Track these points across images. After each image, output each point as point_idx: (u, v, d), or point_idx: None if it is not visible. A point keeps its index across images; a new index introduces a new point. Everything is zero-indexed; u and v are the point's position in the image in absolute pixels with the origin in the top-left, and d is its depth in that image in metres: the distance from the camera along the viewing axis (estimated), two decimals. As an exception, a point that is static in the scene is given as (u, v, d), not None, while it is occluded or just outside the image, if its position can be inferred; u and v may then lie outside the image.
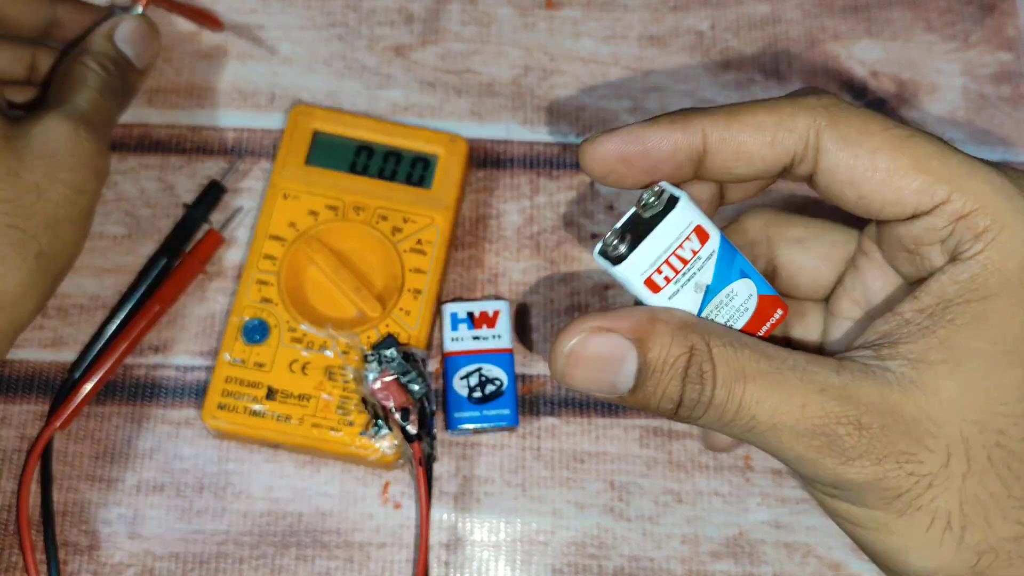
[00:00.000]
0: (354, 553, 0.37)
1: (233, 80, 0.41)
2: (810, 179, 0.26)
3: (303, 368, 0.36)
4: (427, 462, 0.35)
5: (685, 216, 0.25)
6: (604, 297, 0.40)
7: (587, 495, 0.38)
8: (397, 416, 0.35)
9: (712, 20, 0.43)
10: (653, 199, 0.26)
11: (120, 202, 0.40)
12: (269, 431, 0.36)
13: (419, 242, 0.38)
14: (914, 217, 0.25)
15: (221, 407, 0.36)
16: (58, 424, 0.36)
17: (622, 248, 0.25)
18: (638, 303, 0.27)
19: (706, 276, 0.26)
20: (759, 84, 0.43)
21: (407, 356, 0.36)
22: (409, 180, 0.39)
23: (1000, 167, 0.25)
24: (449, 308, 0.38)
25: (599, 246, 0.26)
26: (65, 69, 0.37)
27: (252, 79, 0.41)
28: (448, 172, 0.39)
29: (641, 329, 0.25)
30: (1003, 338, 0.24)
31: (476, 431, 0.37)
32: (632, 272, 0.25)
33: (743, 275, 0.27)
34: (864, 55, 0.43)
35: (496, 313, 0.38)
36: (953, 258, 0.25)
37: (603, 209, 0.41)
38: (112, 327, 0.38)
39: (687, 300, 0.26)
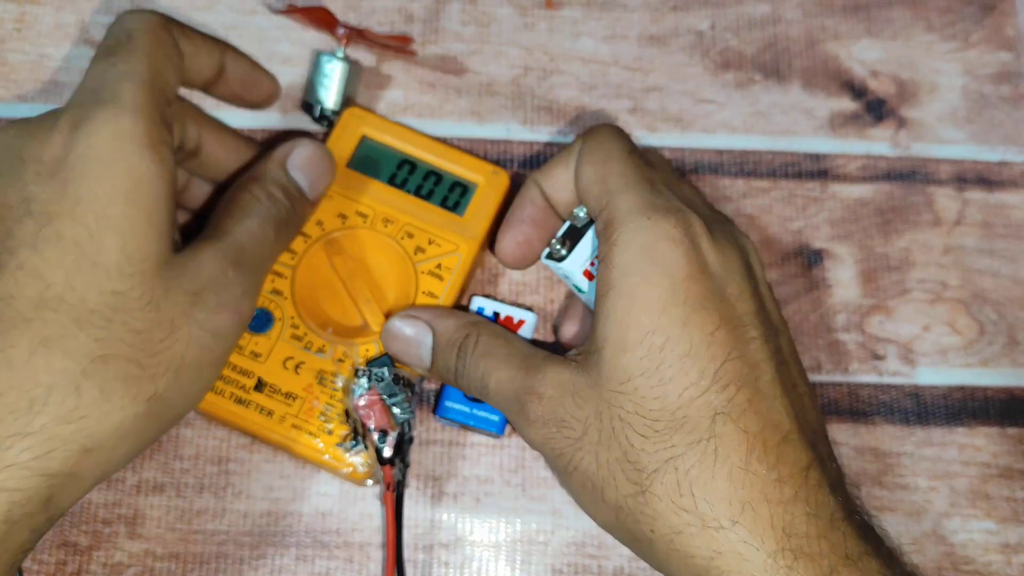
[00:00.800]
0: (354, 553, 0.37)
1: (233, 80, 0.41)
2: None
3: (296, 367, 0.36)
4: (397, 488, 0.35)
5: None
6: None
7: (587, 495, 0.38)
8: (375, 436, 0.34)
9: (712, 20, 0.43)
10: (582, 214, 0.35)
11: (120, 202, 0.40)
12: (249, 422, 0.36)
13: (439, 266, 0.37)
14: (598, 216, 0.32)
15: (211, 389, 0.35)
16: None
17: (563, 251, 0.35)
18: (571, 296, 0.38)
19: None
20: (759, 84, 0.43)
21: (397, 379, 0.35)
22: (444, 203, 0.38)
23: (667, 177, 0.34)
24: (477, 301, 0.38)
25: (546, 252, 0.35)
26: (230, 196, 0.34)
27: (252, 79, 0.41)
28: (484, 203, 0.38)
29: (436, 320, 0.35)
30: (619, 327, 0.29)
31: (461, 426, 0.37)
32: (574, 266, 0.35)
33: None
34: (864, 55, 0.43)
35: (521, 322, 0.37)
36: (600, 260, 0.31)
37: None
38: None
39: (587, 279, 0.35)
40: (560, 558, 0.37)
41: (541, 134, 0.42)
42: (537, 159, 0.41)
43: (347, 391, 0.36)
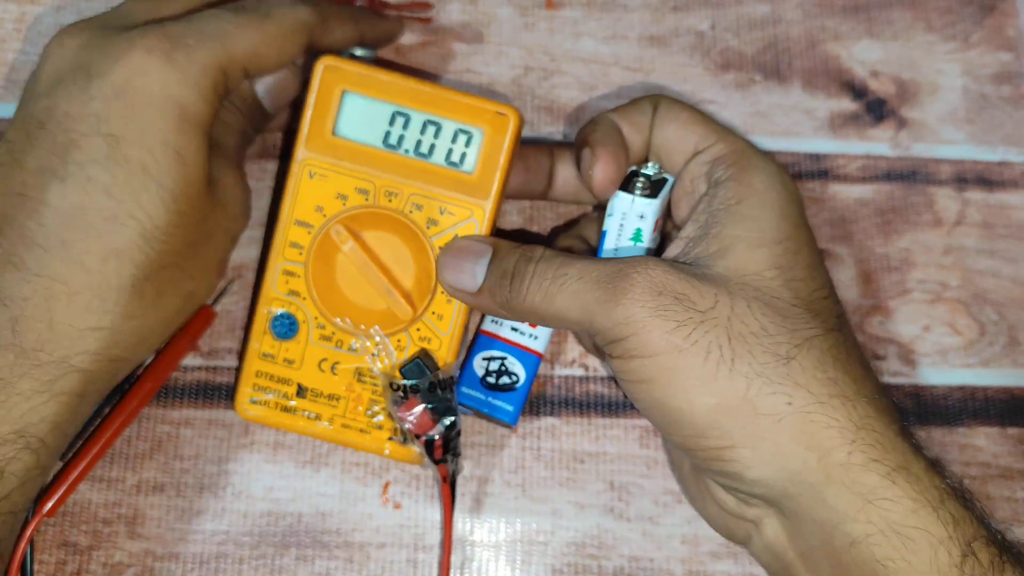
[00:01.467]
0: (354, 553, 0.37)
1: (233, 80, 0.41)
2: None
3: (332, 368, 0.36)
4: (451, 479, 0.35)
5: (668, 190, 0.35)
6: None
7: (587, 495, 0.38)
8: (423, 440, 0.34)
9: (712, 20, 0.43)
10: (655, 166, 0.35)
11: (120, 202, 0.40)
12: (300, 428, 0.36)
13: (456, 239, 0.35)
14: (694, 156, 0.34)
15: (253, 401, 0.36)
16: (45, 511, 0.35)
17: (647, 192, 0.35)
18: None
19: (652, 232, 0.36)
20: (759, 84, 0.43)
21: (433, 385, 0.34)
22: (449, 159, 0.35)
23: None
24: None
25: (638, 186, 0.35)
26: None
27: (252, 79, 0.41)
28: (492, 154, 0.34)
29: (494, 240, 0.34)
30: (757, 228, 0.31)
31: (475, 413, 0.37)
32: (655, 208, 0.34)
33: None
34: (864, 55, 0.43)
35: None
36: (715, 183, 0.33)
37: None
38: (105, 406, 0.37)
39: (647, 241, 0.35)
40: (560, 558, 0.37)
41: (541, 134, 0.42)
42: (537, 159, 0.41)
43: (387, 392, 0.35)
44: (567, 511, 0.37)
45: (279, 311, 0.36)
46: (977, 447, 0.39)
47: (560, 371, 0.39)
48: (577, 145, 0.35)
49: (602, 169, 0.34)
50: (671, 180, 0.35)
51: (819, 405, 0.29)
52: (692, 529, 0.37)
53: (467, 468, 0.38)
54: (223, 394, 0.38)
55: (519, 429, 0.38)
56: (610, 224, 0.35)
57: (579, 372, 0.39)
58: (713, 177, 0.33)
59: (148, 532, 0.36)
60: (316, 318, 0.36)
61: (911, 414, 0.39)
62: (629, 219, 0.35)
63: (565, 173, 0.37)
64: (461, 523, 0.37)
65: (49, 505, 0.35)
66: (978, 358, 0.40)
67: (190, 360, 0.38)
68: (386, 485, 0.37)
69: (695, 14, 0.43)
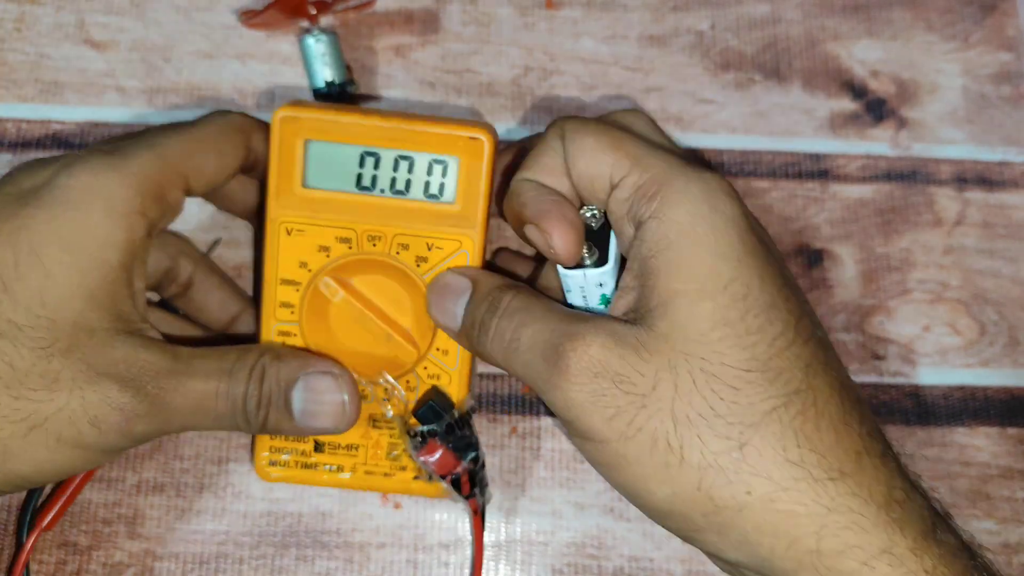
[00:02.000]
0: (354, 554, 0.37)
1: (233, 80, 0.41)
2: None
3: None
4: (482, 511, 0.35)
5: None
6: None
7: (587, 495, 0.38)
8: (449, 479, 0.34)
9: (712, 20, 0.43)
10: (595, 216, 0.31)
11: (120, 202, 0.40)
12: (324, 481, 0.35)
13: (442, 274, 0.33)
14: (612, 192, 0.30)
15: (272, 463, 0.35)
16: (44, 524, 0.35)
17: (597, 254, 0.31)
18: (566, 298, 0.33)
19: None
20: (759, 84, 0.43)
21: (451, 426, 0.34)
22: (426, 192, 0.33)
23: (682, 157, 0.30)
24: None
25: (579, 263, 0.31)
26: (217, 363, 0.32)
27: (252, 79, 0.41)
28: (471, 181, 0.33)
29: (480, 275, 0.32)
30: (693, 277, 0.27)
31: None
32: (610, 272, 0.31)
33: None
34: (864, 55, 0.43)
35: None
36: (638, 224, 0.29)
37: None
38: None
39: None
40: (560, 558, 0.37)
41: (541, 134, 0.42)
42: (537, 159, 0.41)
43: (404, 435, 0.34)
44: (567, 511, 0.37)
45: None
46: (977, 447, 0.39)
47: (560, 371, 0.39)
48: (516, 227, 0.31)
49: (560, 239, 0.30)
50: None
51: (783, 492, 0.26)
52: (692, 529, 0.37)
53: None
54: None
55: (518, 429, 0.38)
56: (572, 298, 0.32)
57: (579, 372, 0.39)
58: (635, 215, 0.29)
59: (148, 532, 0.36)
60: None
61: (911, 414, 0.39)
62: (589, 290, 0.31)
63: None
64: (461, 523, 0.37)
65: (48, 519, 0.35)
66: (978, 358, 0.40)
67: (190, 360, 0.38)
68: (386, 485, 0.37)
69: (695, 14, 0.43)
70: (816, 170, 0.42)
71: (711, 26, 0.43)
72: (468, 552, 0.37)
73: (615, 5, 0.43)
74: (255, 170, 0.35)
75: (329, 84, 0.39)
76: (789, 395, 0.27)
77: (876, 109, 0.43)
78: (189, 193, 0.33)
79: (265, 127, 0.35)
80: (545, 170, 0.31)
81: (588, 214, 0.31)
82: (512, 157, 0.35)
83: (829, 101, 0.43)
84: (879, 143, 0.42)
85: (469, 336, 0.31)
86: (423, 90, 0.42)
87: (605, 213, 0.31)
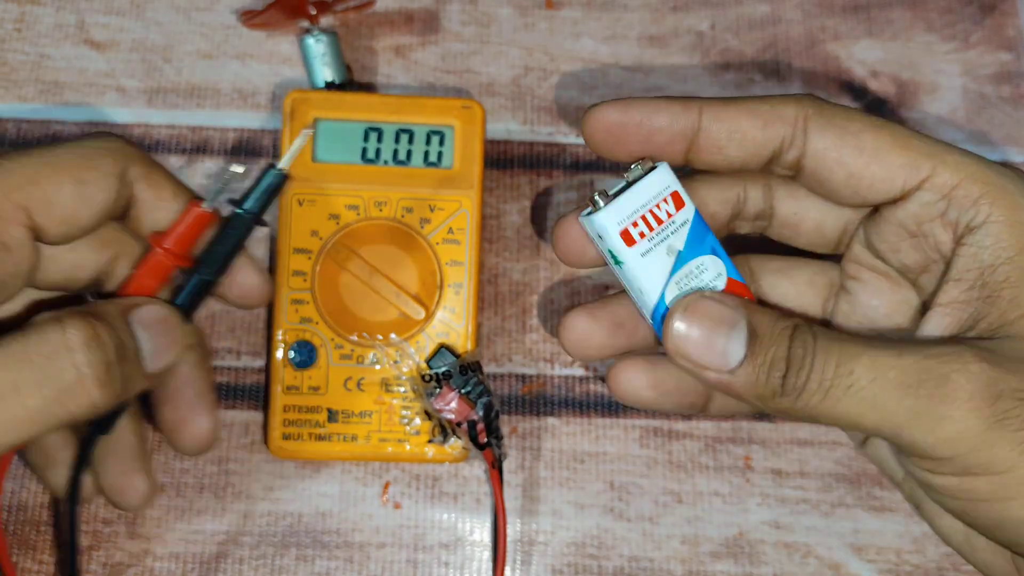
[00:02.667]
0: (354, 553, 0.37)
1: (233, 80, 0.41)
2: (797, 166, 0.28)
3: (358, 384, 0.36)
4: (499, 464, 0.35)
5: (663, 179, 0.28)
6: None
7: (587, 495, 0.38)
8: (464, 427, 0.35)
9: (712, 20, 0.43)
10: (638, 168, 0.28)
11: (120, 202, 0.40)
12: (337, 453, 0.36)
13: (451, 231, 0.36)
14: (903, 198, 0.27)
15: (286, 437, 0.36)
16: None
17: (600, 203, 0.27)
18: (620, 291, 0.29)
19: (678, 241, 0.28)
20: (759, 84, 0.43)
21: (464, 368, 0.35)
22: (427, 160, 0.37)
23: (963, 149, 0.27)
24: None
25: (588, 208, 0.28)
26: (41, 330, 0.26)
27: (252, 79, 0.41)
28: (467, 145, 0.36)
29: (747, 305, 0.27)
30: None
31: None
32: (608, 222, 0.27)
33: (713, 252, 0.28)
34: (864, 55, 0.43)
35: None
36: (963, 230, 0.26)
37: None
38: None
39: (659, 261, 0.27)
40: (560, 558, 0.37)
41: (541, 134, 0.42)
42: (537, 159, 0.41)
43: (419, 394, 0.35)
44: (567, 511, 0.37)
45: (295, 341, 0.36)
46: (977, 447, 0.39)
47: (560, 371, 0.39)
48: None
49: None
50: (661, 164, 0.28)
51: None
52: (692, 529, 0.37)
53: (466, 468, 0.38)
54: (223, 394, 0.38)
55: (518, 429, 0.38)
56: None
57: (579, 372, 0.39)
58: (956, 221, 0.26)
59: (148, 532, 0.36)
60: (332, 339, 0.36)
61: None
62: (601, 245, 0.28)
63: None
64: (461, 523, 0.37)
65: None
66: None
67: (190, 360, 0.38)
68: (386, 485, 0.37)
69: (695, 14, 0.43)
70: (816, 170, 0.42)
71: (711, 26, 0.43)
72: (467, 551, 0.37)
73: (615, 5, 0.43)
74: (132, 217, 0.30)
75: (329, 84, 0.39)
76: None
77: (876, 109, 0.43)
78: (38, 235, 0.28)
79: (151, 160, 0.31)
80: (730, 121, 0.27)
81: (633, 167, 0.28)
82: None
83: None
84: (879, 143, 0.42)
85: (760, 381, 0.26)
86: (423, 90, 0.42)
87: (652, 166, 0.28)
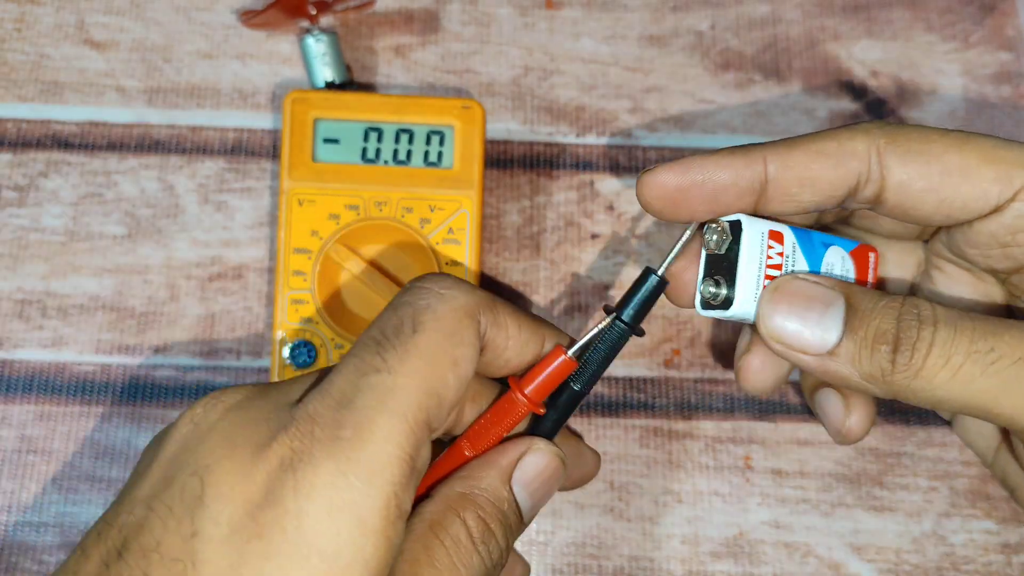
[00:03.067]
0: (354, 553, 0.37)
1: (233, 80, 0.41)
2: (877, 200, 0.26)
3: None
4: None
5: (756, 230, 0.26)
6: (604, 297, 0.40)
7: (587, 495, 0.38)
8: None
9: (712, 20, 0.43)
10: (717, 235, 0.26)
11: (120, 202, 0.40)
12: None
13: (450, 231, 0.36)
14: (997, 210, 0.25)
15: None
16: None
17: (724, 291, 0.26)
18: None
19: (801, 264, 0.27)
20: (759, 84, 0.43)
21: None
22: (426, 160, 0.37)
23: None
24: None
25: (699, 300, 0.27)
26: (433, 525, 0.24)
27: (252, 79, 0.41)
28: (467, 145, 0.36)
29: (844, 285, 0.26)
30: None
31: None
32: (746, 306, 0.26)
33: (827, 246, 0.28)
34: (864, 55, 0.43)
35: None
36: None
37: (603, 209, 0.41)
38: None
39: None
40: (560, 558, 0.37)
41: (541, 134, 0.42)
42: (537, 159, 0.41)
43: None
44: (567, 511, 0.37)
45: (295, 341, 0.36)
46: (977, 447, 0.39)
47: (560, 371, 0.39)
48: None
49: (858, 421, 0.27)
50: (742, 217, 0.27)
51: None
52: (692, 529, 0.37)
53: (467, 468, 0.38)
54: (223, 394, 0.38)
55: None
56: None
57: (579, 372, 0.39)
58: None
59: (148, 532, 0.36)
60: (332, 339, 0.36)
61: (911, 413, 0.39)
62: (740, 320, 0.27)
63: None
64: (461, 523, 0.37)
65: None
66: (978, 358, 0.40)
67: (190, 360, 0.38)
68: (386, 485, 0.37)
69: (695, 14, 0.43)
70: (816, 170, 0.42)
71: (711, 26, 0.43)
72: (468, 552, 0.37)
73: (615, 5, 0.43)
74: (491, 358, 0.27)
75: (329, 84, 0.39)
76: None
77: (876, 109, 0.43)
78: (433, 433, 0.24)
79: (493, 301, 0.27)
80: (800, 167, 0.26)
81: (710, 236, 0.27)
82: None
83: (829, 101, 0.43)
84: (879, 143, 0.42)
85: (866, 356, 0.24)
86: (423, 90, 0.42)
87: (732, 223, 0.27)
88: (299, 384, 0.25)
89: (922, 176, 0.25)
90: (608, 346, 0.27)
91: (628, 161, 0.41)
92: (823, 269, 0.27)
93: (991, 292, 0.29)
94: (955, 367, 0.23)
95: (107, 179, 0.40)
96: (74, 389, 0.38)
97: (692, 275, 0.28)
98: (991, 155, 0.25)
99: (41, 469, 0.37)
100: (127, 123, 0.41)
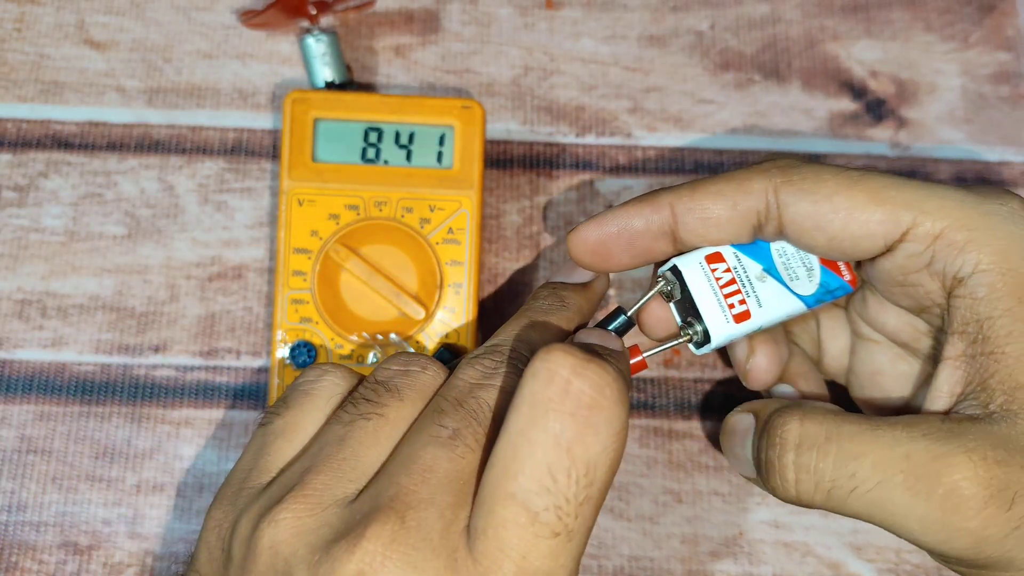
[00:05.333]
0: (354, 553, 0.37)
1: (233, 80, 0.41)
2: (780, 235, 0.28)
3: None
4: None
5: (692, 263, 0.29)
6: (604, 297, 0.40)
7: (587, 495, 0.38)
8: None
9: (712, 20, 0.43)
10: (666, 283, 0.29)
11: (120, 202, 0.40)
12: None
13: (450, 231, 0.36)
14: (889, 250, 0.26)
15: None
16: None
17: (699, 327, 0.28)
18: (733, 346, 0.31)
19: (753, 268, 0.29)
20: (759, 84, 0.43)
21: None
22: (426, 160, 0.37)
23: (956, 185, 0.26)
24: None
25: (690, 345, 0.29)
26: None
27: (252, 79, 0.41)
28: (467, 145, 0.36)
29: (758, 407, 0.28)
30: None
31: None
32: (723, 333, 0.28)
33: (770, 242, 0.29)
34: (864, 55, 0.43)
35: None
36: (954, 282, 0.25)
37: (603, 209, 0.41)
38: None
39: (770, 293, 0.29)
40: (560, 558, 0.37)
41: (541, 134, 0.42)
42: (537, 159, 0.41)
43: None
44: (567, 511, 0.37)
45: (294, 341, 0.36)
46: (976, 446, 0.39)
47: (560, 371, 0.39)
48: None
49: (766, 361, 0.29)
50: (675, 260, 0.29)
51: None
52: (692, 529, 0.37)
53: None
54: (223, 394, 0.38)
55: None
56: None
57: (579, 372, 0.39)
58: (943, 272, 0.25)
59: (148, 532, 0.36)
60: (332, 339, 0.36)
61: (910, 414, 0.39)
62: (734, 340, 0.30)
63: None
64: (461, 523, 0.37)
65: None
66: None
67: (190, 360, 0.38)
68: (386, 485, 0.37)
69: (695, 14, 0.44)
70: (815, 170, 0.42)
71: (711, 26, 0.43)
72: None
73: (615, 5, 0.43)
74: None
75: (329, 84, 0.39)
76: None
77: (875, 109, 0.43)
78: None
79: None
80: (708, 204, 0.27)
81: (662, 286, 0.29)
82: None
83: (828, 101, 0.43)
84: (878, 143, 0.42)
85: (768, 474, 0.25)
86: (423, 90, 0.42)
87: (672, 268, 0.29)
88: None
89: (810, 216, 0.26)
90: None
91: (628, 161, 0.41)
92: (774, 258, 0.29)
93: (914, 320, 0.29)
94: (825, 491, 0.24)
95: (107, 179, 0.40)
96: (74, 389, 0.38)
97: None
98: (879, 195, 0.25)
99: (41, 469, 0.37)
100: (127, 123, 0.41)
